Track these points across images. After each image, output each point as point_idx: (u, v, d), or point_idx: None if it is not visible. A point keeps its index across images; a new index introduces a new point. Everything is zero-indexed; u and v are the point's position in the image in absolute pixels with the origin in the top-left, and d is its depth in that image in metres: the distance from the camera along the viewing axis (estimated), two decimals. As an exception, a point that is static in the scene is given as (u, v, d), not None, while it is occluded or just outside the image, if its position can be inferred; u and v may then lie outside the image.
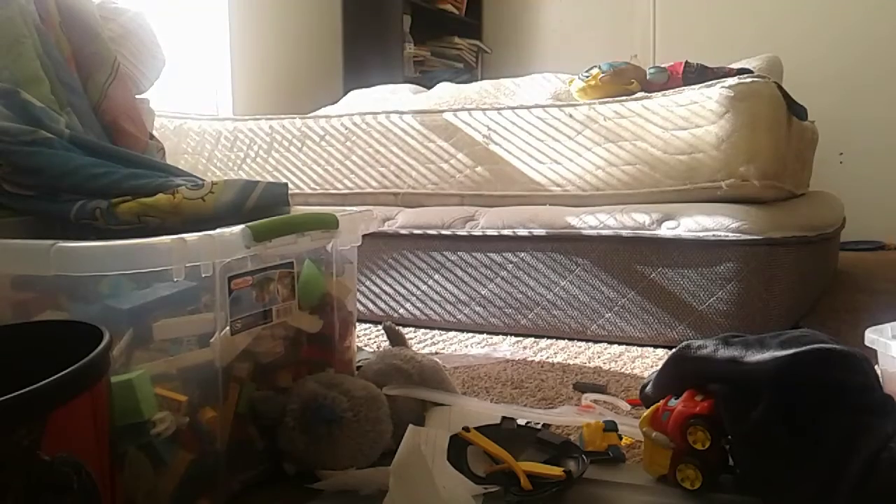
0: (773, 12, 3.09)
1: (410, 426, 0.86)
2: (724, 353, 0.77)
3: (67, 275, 0.66)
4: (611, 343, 1.49)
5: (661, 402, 0.81)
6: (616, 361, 1.35)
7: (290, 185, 1.78)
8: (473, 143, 1.66)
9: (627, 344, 1.48)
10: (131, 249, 0.67)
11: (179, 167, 1.08)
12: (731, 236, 1.36)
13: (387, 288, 1.70)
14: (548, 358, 1.39)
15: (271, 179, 1.73)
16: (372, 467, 0.83)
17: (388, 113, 1.77)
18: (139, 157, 1.01)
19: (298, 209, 1.03)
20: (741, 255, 1.37)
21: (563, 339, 1.53)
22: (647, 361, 1.35)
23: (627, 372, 1.28)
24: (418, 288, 1.66)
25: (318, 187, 1.83)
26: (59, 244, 0.66)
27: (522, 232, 1.53)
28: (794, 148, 1.66)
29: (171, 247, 0.69)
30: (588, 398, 1.10)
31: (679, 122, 1.47)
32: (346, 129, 1.80)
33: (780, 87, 1.50)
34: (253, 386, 0.84)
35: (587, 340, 1.52)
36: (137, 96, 1.23)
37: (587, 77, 1.67)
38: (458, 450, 0.84)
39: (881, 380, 0.79)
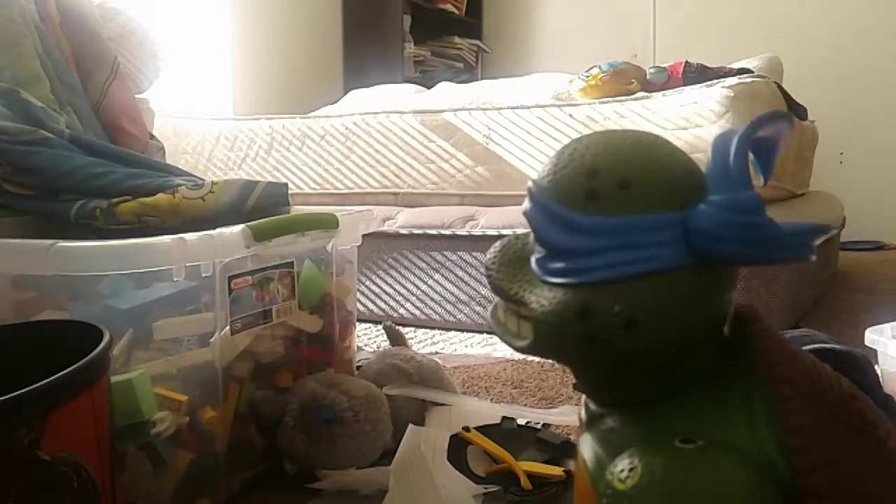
0: (773, 12, 3.09)
1: (410, 426, 0.86)
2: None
3: (67, 275, 0.66)
4: (611, 343, 1.49)
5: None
6: (616, 361, 1.35)
7: (290, 185, 1.78)
8: (473, 143, 1.66)
9: (627, 344, 1.48)
10: (131, 249, 0.67)
11: (179, 167, 1.08)
12: (731, 236, 1.36)
13: (387, 288, 1.70)
14: (548, 358, 1.39)
15: (271, 179, 1.73)
16: (372, 467, 0.83)
17: (388, 113, 1.77)
18: (139, 157, 1.01)
19: (298, 209, 1.03)
20: (741, 255, 1.36)
21: (563, 339, 1.53)
22: (647, 361, 1.35)
23: (627, 372, 1.28)
24: (418, 288, 1.66)
25: (318, 187, 1.83)
26: (59, 244, 0.65)
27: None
28: (794, 148, 1.66)
29: (171, 247, 0.69)
30: (588, 398, 1.10)
31: (679, 121, 1.47)
32: (346, 129, 1.80)
33: (780, 87, 1.50)
34: (253, 386, 0.84)
35: (587, 340, 1.51)
36: (137, 96, 1.23)
37: (587, 77, 1.67)
38: (458, 450, 0.84)
39: (881, 380, 0.79)
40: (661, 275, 0.33)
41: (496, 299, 0.42)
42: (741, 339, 0.37)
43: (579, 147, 0.36)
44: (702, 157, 0.36)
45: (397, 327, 1.15)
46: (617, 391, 0.38)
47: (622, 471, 0.34)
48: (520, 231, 0.42)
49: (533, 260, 0.37)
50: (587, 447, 0.39)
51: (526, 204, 0.37)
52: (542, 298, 0.35)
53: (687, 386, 0.36)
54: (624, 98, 1.55)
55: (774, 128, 0.35)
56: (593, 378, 0.39)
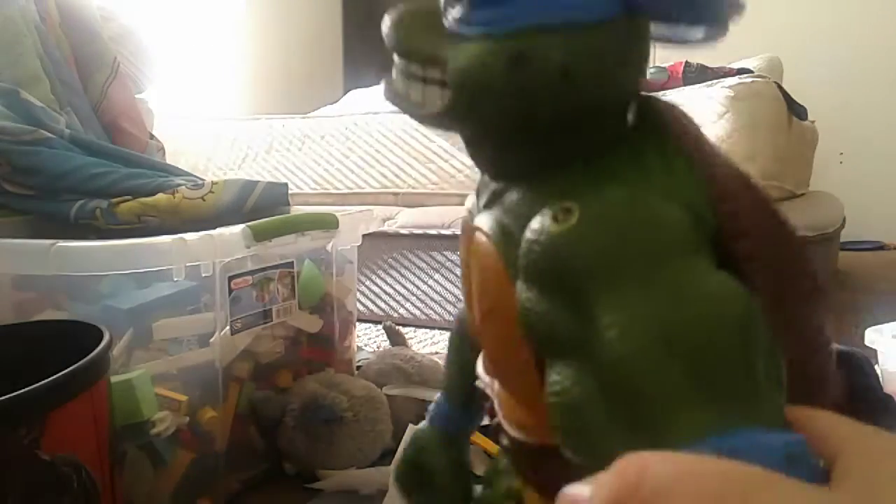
0: (773, 12, 3.09)
1: (410, 426, 0.86)
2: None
3: (67, 274, 0.66)
4: (611, 343, 1.49)
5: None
6: (616, 361, 1.35)
7: (290, 185, 1.78)
8: (473, 142, 1.66)
9: (627, 344, 1.47)
10: (131, 249, 0.67)
11: (179, 167, 1.08)
12: (732, 236, 1.36)
13: (387, 288, 1.70)
14: (548, 358, 1.39)
15: (271, 179, 1.73)
16: (372, 467, 0.83)
17: (389, 113, 1.77)
18: (139, 157, 1.01)
19: (298, 209, 1.03)
20: (741, 255, 1.36)
21: (563, 339, 1.53)
22: (647, 361, 1.35)
23: (627, 372, 1.28)
24: (418, 288, 1.66)
25: (318, 187, 1.83)
26: (59, 244, 0.66)
27: None
28: (794, 148, 1.66)
29: (171, 246, 0.69)
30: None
31: (679, 122, 1.47)
32: (346, 129, 1.80)
33: (780, 87, 1.50)
34: (253, 386, 0.84)
35: (587, 340, 1.51)
36: (137, 96, 1.23)
37: (587, 77, 1.67)
38: (458, 450, 0.84)
39: (881, 380, 0.79)
40: (596, 25, 0.33)
41: (390, 72, 0.40)
42: (646, 119, 0.37)
43: None
44: (702, 157, 0.37)
45: (397, 327, 1.15)
46: (529, 154, 0.37)
47: (555, 214, 0.32)
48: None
49: (451, 18, 0.35)
50: (488, 221, 0.37)
51: None
52: (465, 53, 0.33)
53: (599, 149, 0.35)
54: (624, 98, 1.55)
55: None
56: (503, 144, 0.38)
